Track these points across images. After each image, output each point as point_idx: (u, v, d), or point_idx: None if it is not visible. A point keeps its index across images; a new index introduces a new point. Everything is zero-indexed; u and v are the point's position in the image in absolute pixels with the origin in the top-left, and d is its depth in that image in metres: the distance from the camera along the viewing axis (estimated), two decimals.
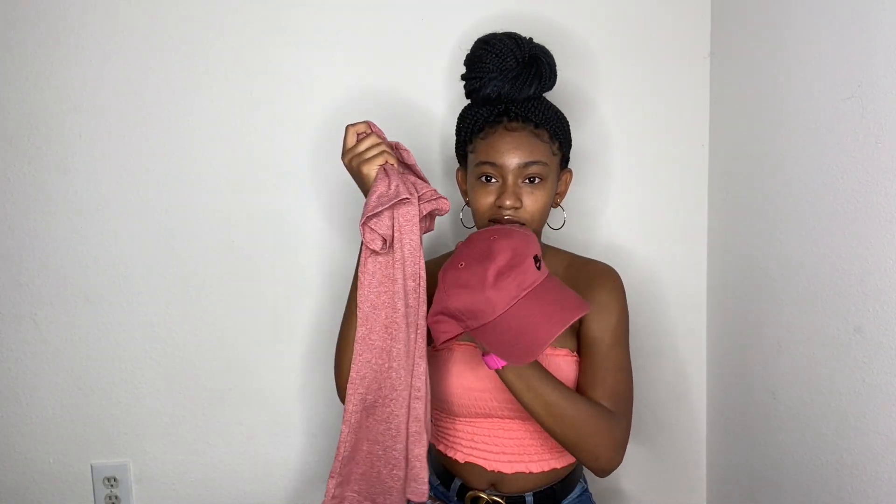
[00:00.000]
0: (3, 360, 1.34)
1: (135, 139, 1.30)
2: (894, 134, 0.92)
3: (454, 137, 1.14)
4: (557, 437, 0.97)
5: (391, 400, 0.99)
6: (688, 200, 1.40)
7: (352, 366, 0.99)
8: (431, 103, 1.34)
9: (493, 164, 1.03)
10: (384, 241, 0.95)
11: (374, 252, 0.97)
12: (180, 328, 1.36)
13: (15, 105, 1.28)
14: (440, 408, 1.11)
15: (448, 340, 0.93)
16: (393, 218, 0.95)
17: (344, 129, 1.00)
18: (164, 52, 1.29)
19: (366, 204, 0.94)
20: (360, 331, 0.98)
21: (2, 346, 1.34)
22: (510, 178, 1.03)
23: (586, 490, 1.18)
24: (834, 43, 1.02)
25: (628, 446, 0.99)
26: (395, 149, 1.00)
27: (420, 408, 0.98)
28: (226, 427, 1.39)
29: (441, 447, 1.13)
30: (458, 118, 1.11)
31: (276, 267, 1.36)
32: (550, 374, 0.97)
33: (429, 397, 1.00)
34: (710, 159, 1.38)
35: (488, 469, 1.08)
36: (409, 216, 0.95)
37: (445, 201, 0.98)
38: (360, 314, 0.98)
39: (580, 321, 1.06)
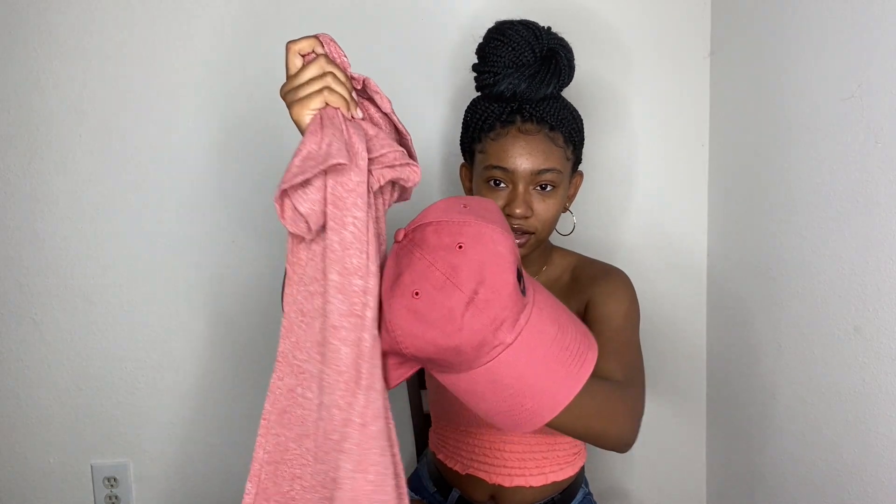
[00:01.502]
0: (3, 360, 1.34)
1: (135, 139, 1.30)
2: (894, 134, 0.92)
3: (455, 133, 1.10)
4: (579, 435, 0.79)
5: (317, 455, 0.69)
6: (688, 200, 1.40)
7: (267, 395, 0.72)
8: (431, 96, 1.32)
9: (503, 169, 0.95)
10: (307, 222, 0.66)
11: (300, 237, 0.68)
12: (180, 328, 1.36)
13: (15, 105, 1.28)
14: (442, 417, 1.10)
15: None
16: (326, 189, 0.66)
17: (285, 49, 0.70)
18: (164, 52, 1.29)
19: (288, 168, 0.66)
20: (284, 345, 0.71)
21: (2, 346, 1.34)
22: (521, 186, 0.95)
23: (588, 494, 1.17)
24: (834, 43, 1.02)
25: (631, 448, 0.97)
26: (360, 85, 0.72)
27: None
28: (227, 427, 1.39)
29: (441, 456, 1.11)
30: (467, 111, 1.02)
31: (278, 265, 1.36)
32: None
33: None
34: (710, 159, 1.38)
35: (489, 482, 1.06)
36: (349, 187, 0.66)
37: (414, 169, 0.72)
38: (284, 322, 0.71)
39: (585, 310, 1.00)
